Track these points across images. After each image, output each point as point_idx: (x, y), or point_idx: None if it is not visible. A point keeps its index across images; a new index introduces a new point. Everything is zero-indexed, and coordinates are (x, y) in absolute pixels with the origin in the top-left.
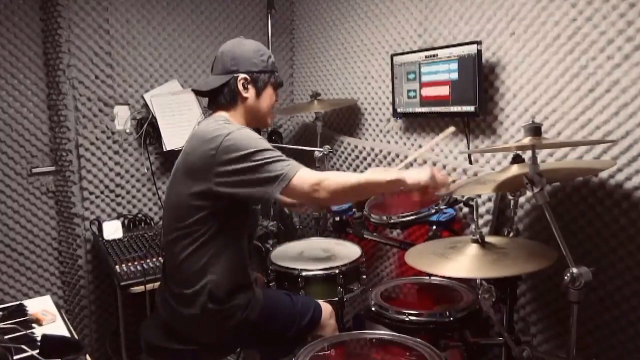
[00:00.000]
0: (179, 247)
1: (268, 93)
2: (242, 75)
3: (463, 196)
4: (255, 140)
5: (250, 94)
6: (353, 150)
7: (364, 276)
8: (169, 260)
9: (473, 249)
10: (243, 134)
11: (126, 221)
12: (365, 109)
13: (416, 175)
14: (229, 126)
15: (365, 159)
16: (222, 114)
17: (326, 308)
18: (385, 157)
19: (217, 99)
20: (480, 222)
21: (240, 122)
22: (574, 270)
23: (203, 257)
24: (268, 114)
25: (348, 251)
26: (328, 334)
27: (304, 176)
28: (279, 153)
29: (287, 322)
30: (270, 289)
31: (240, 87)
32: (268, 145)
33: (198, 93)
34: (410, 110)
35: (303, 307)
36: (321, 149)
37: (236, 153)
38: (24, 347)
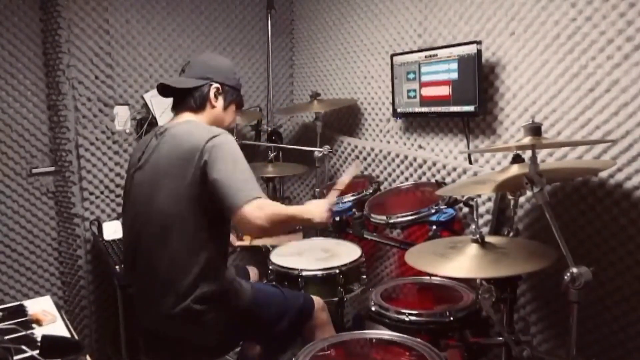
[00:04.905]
0: (169, 248)
1: (232, 109)
2: (215, 84)
3: (463, 196)
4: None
5: (219, 104)
6: (353, 150)
7: (364, 276)
8: (154, 265)
9: (473, 249)
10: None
11: None
12: (365, 109)
13: (319, 216)
14: (215, 129)
15: (365, 159)
16: (189, 116)
17: (317, 300)
18: (385, 157)
19: (185, 100)
20: (480, 222)
21: None
22: (574, 270)
23: (192, 256)
24: (228, 129)
25: (348, 251)
26: (321, 326)
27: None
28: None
29: (279, 310)
30: (258, 282)
31: (212, 94)
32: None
33: (165, 90)
34: (410, 110)
35: (292, 296)
36: (321, 149)
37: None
38: (24, 347)
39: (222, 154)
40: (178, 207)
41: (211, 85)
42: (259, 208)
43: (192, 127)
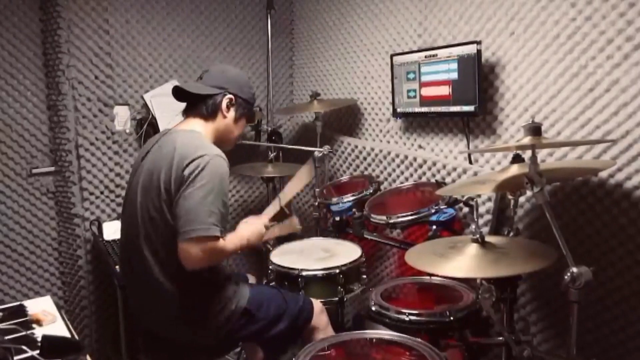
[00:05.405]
0: (160, 250)
1: (242, 123)
2: (229, 95)
3: (463, 196)
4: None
5: (230, 115)
6: (353, 150)
7: (364, 276)
8: (148, 268)
9: (473, 248)
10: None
11: None
12: (365, 109)
13: (254, 239)
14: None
15: (365, 159)
16: (197, 123)
17: (316, 303)
18: (385, 157)
19: (197, 106)
20: (480, 221)
21: (210, 136)
22: (574, 269)
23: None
24: (235, 140)
25: (348, 251)
26: (320, 329)
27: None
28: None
29: (278, 310)
30: (257, 284)
31: (224, 104)
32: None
33: (180, 94)
34: (410, 110)
35: (291, 297)
36: (321, 149)
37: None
38: (24, 347)
39: (203, 175)
40: (163, 210)
41: (225, 95)
42: (206, 251)
43: (194, 138)
